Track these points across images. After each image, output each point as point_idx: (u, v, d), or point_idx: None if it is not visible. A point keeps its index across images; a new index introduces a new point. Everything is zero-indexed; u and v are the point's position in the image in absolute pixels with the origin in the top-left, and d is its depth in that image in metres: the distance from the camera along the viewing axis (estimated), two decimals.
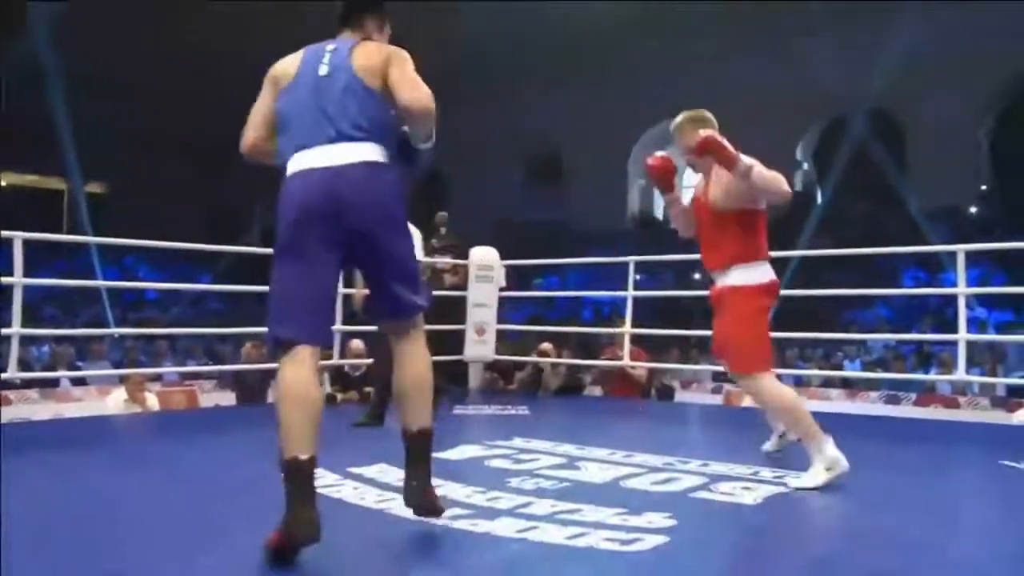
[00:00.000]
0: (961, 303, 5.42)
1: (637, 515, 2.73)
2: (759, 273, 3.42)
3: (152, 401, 6.71)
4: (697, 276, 19.10)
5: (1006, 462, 3.83)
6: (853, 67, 18.40)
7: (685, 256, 5.95)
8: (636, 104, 21.82)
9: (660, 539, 2.48)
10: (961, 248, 5.59)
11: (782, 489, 3.19)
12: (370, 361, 6.82)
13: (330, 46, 2.61)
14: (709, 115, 3.59)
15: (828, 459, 3.25)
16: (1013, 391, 8.94)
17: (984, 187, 20.35)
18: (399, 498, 2.96)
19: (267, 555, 2.21)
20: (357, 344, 6.82)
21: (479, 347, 6.86)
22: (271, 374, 7.12)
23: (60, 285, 12.30)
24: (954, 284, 5.56)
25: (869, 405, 9.97)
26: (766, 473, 3.45)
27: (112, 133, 21.57)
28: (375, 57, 2.56)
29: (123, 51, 19.29)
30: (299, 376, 2.39)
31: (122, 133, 22.15)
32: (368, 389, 6.45)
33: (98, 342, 10.40)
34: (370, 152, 2.48)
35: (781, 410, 3.40)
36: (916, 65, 18.17)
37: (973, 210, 19.99)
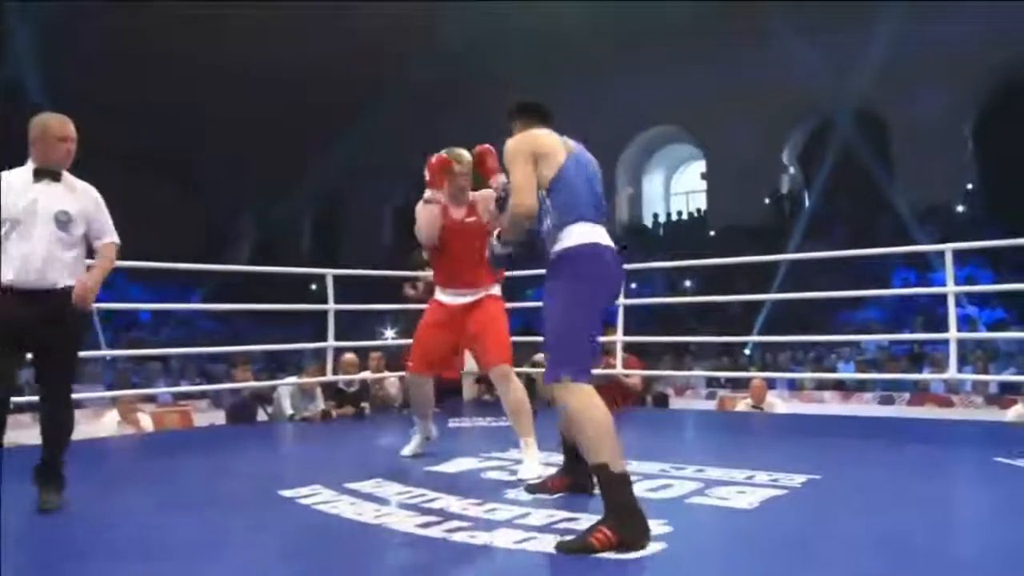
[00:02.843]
0: (951, 302, 5.43)
1: None
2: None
3: (146, 422, 6.69)
4: (688, 283, 19.19)
5: (1000, 459, 3.84)
6: (837, 69, 18.52)
7: (676, 264, 5.97)
8: (626, 109, 21.93)
9: (657, 546, 2.49)
10: (949, 247, 5.58)
11: (777, 493, 3.20)
12: (363, 376, 6.83)
13: (572, 141, 3.05)
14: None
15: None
16: (1005, 388, 8.99)
17: (970, 185, 20.46)
18: (397, 512, 2.97)
19: (589, 550, 2.43)
20: (351, 357, 6.80)
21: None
22: (260, 396, 7.14)
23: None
24: (943, 283, 5.58)
25: (863, 406, 10.02)
26: (761, 477, 3.45)
27: (98, 152, 21.55)
28: None
29: (105, 70, 19.31)
30: (598, 401, 2.70)
31: (108, 152, 22.12)
32: (364, 404, 6.46)
33: (91, 364, 10.38)
34: None
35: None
36: (899, 65, 18.33)
37: (960, 209, 20.09)
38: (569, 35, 19.96)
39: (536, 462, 3.73)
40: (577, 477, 3.17)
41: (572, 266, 2.81)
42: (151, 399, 8.90)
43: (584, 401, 2.68)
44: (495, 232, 3.13)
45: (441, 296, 4.19)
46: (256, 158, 25.78)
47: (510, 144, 2.94)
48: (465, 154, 4.07)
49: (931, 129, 19.49)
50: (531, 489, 3.31)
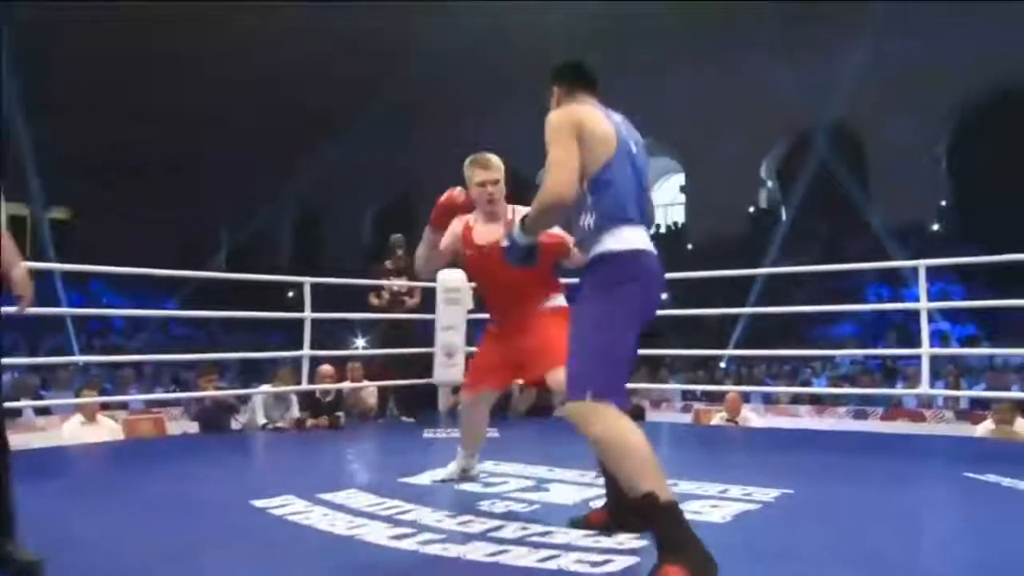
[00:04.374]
0: (923, 318, 5.50)
1: (607, 536, 2.74)
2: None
3: (111, 424, 6.65)
4: (665, 296, 19.27)
5: (970, 474, 3.88)
6: (814, 87, 18.70)
7: None
8: None
9: (631, 560, 2.49)
10: (922, 263, 5.67)
11: (751, 507, 3.21)
12: (342, 385, 6.80)
13: (617, 116, 2.65)
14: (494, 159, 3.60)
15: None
16: (976, 403, 9.07)
17: (943, 202, 20.70)
18: (370, 524, 2.95)
19: None
20: (327, 368, 6.78)
21: (449, 370, 6.83)
22: (230, 405, 7.08)
23: (22, 313, 12.12)
24: (917, 299, 5.64)
25: (837, 420, 10.08)
26: (735, 491, 3.47)
27: (76, 158, 21.42)
28: None
29: (83, 76, 19.20)
30: (631, 423, 2.44)
31: (86, 158, 22.02)
32: (339, 414, 6.43)
33: (63, 370, 10.27)
34: None
35: None
36: (875, 85, 18.53)
37: (935, 227, 20.31)
38: (547, 49, 19.99)
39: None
40: (619, 512, 2.78)
41: (613, 272, 2.48)
42: (123, 406, 8.79)
43: (614, 424, 2.39)
44: (519, 217, 2.65)
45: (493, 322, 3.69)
46: (236, 164, 25.67)
47: (553, 118, 2.53)
48: (494, 159, 3.58)
49: (906, 148, 19.71)
50: (573, 523, 2.91)
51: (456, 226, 3.58)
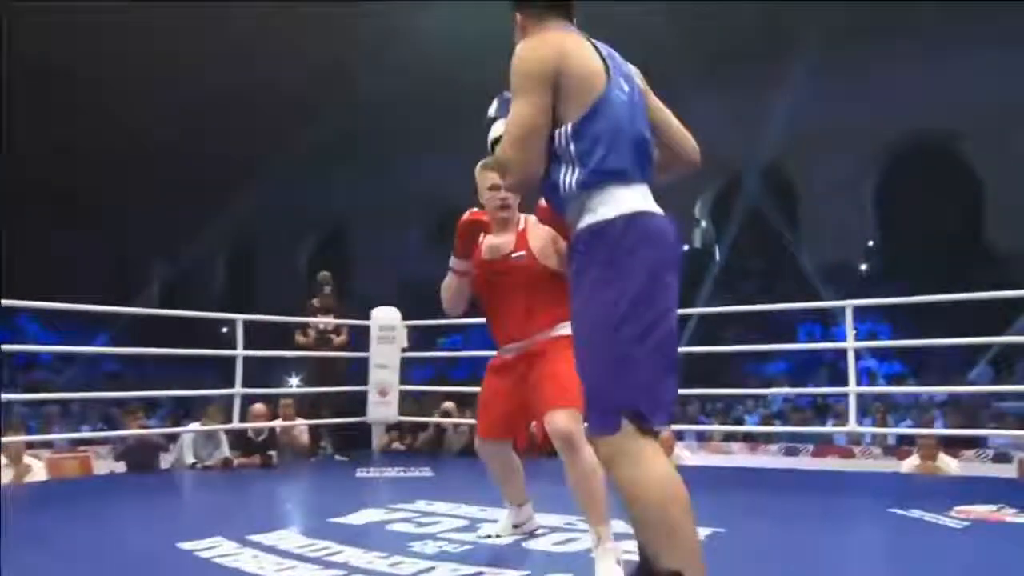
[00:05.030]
0: (851, 357, 5.65)
1: None
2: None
3: (38, 468, 6.43)
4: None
5: (894, 509, 3.97)
6: (745, 129, 19.14)
7: None
8: None
9: None
10: (850, 304, 5.87)
11: None
12: (274, 424, 6.70)
13: (603, 46, 2.09)
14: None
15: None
16: (902, 439, 9.30)
17: (870, 243, 21.31)
18: (300, 566, 2.91)
19: None
20: (259, 407, 6.69)
21: (382, 408, 6.81)
22: (158, 445, 6.92)
23: None
24: (846, 338, 5.79)
25: (769, 458, 10.23)
26: None
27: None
28: None
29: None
30: (672, 471, 1.87)
31: (12, 188, 21.48)
32: (271, 453, 6.33)
33: None
34: None
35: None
36: (804, 129, 19.04)
37: (863, 267, 20.87)
38: (483, 83, 20.05)
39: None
40: None
41: (609, 249, 1.89)
42: (47, 444, 8.53)
43: (636, 464, 1.82)
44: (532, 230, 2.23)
45: (500, 353, 3.28)
46: (169, 197, 25.29)
47: (521, 54, 2.00)
48: None
49: (834, 189, 20.28)
50: None
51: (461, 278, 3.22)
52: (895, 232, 20.71)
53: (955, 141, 19.32)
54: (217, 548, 3.18)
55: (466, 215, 3.06)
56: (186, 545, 3.21)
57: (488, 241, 3.20)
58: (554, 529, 3.52)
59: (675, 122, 2.24)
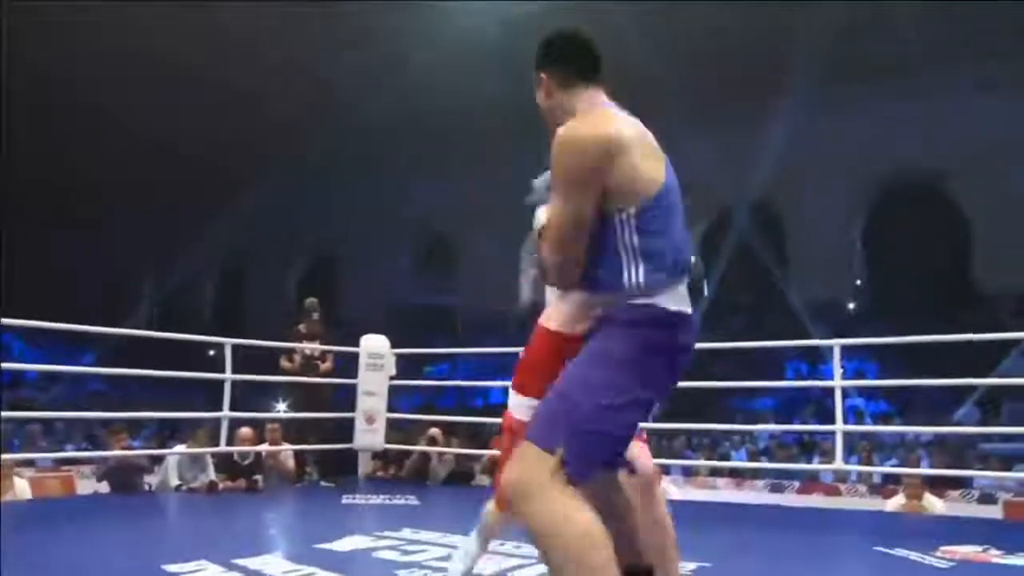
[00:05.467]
0: (838, 395, 5.68)
1: None
2: None
3: (22, 487, 6.37)
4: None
5: (880, 548, 3.98)
6: (736, 166, 19.28)
7: None
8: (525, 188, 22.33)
9: None
10: (837, 343, 5.92)
11: None
12: (260, 448, 6.67)
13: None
14: None
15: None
16: (888, 478, 9.31)
17: (858, 282, 21.42)
18: None
19: None
20: (246, 431, 6.66)
21: (369, 435, 6.81)
22: (142, 467, 6.86)
23: None
24: (833, 376, 5.83)
25: (755, 494, 10.21)
26: None
27: None
28: None
29: None
30: (585, 516, 1.72)
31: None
32: (256, 477, 6.29)
33: None
34: None
35: None
36: (794, 167, 19.22)
37: (851, 305, 20.96)
38: (465, 122, 20.03)
39: None
40: None
41: (642, 336, 1.82)
42: (30, 463, 8.46)
43: (560, 509, 1.70)
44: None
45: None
46: (157, 220, 25.27)
47: (568, 138, 1.79)
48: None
49: (824, 228, 20.41)
50: None
51: None
52: (883, 270, 20.84)
53: (943, 180, 19.50)
54: (202, 572, 3.17)
55: None
56: (171, 568, 3.20)
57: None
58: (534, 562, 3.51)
59: None
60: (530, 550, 3.56)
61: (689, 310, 1.90)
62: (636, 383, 1.80)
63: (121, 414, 7.37)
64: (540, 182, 1.99)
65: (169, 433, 14.41)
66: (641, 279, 1.82)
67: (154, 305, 28.73)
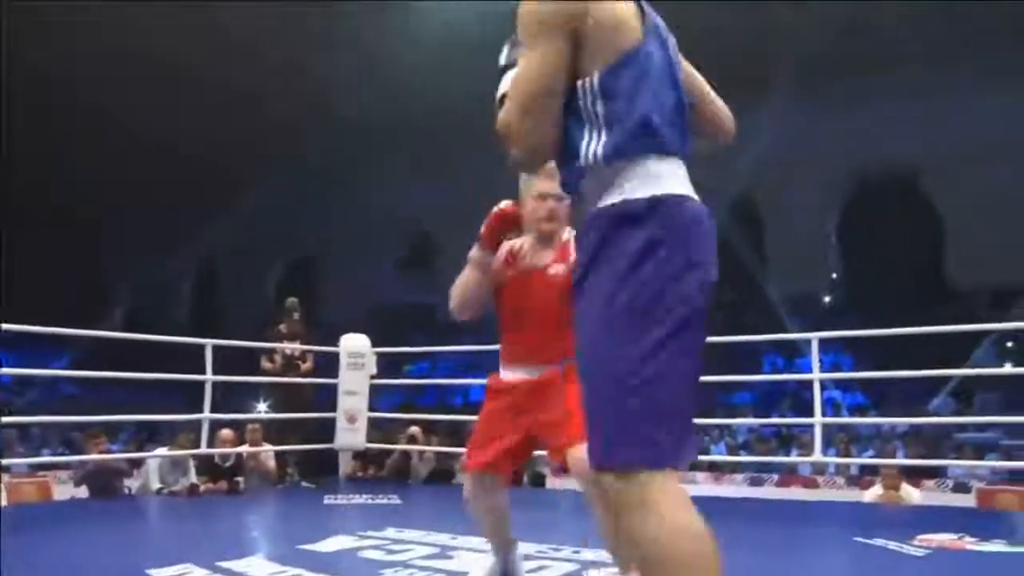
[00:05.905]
0: (816, 388, 5.74)
1: None
2: None
3: None
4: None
5: (859, 538, 4.03)
6: (717, 163, 19.36)
7: None
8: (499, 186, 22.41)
9: None
10: (815, 336, 5.99)
11: None
12: (240, 450, 6.66)
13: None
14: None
15: None
16: (865, 470, 9.41)
17: (834, 275, 21.62)
18: None
19: None
20: (227, 433, 6.65)
21: (350, 435, 6.81)
22: (120, 470, 6.82)
23: None
24: (811, 369, 5.89)
25: (734, 487, 10.27)
26: None
27: None
28: None
29: None
30: (703, 527, 1.55)
31: None
32: (238, 479, 6.28)
33: None
34: None
35: None
36: (773, 162, 19.36)
37: (827, 299, 21.15)
38: (445, 122, 20.03)
39: None
40: None
41: (629, 233, 1.50)
42: (5, 469, 8.37)
43: (663, 515, 1.46)
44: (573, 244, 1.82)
45: (503, 372, 2.84)
46: (137, 220, 25.07)
47: None
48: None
49: (801, 223, 20.59)
50: None
51: (500, 251, 2.80)
52: (858, 265, 21.05)
53: (917, 177, 19.71)
54: (188, 575, 3.17)
55: (501, 205, 2.72)
56: (155, 572, 3.19)
57: (525, 250, 2.81)
58: (526, 556, 3.53)
59: (709, 88, 1.85)
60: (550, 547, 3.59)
61: (679, 190, 1.56)
62: (650, 322, 1.47)
63: (101, 417, 7.29)
64: (507, 48, 1.74)
65: (147, 435, 14.31)
66: (599, 151, 1.53)
67: (129, 308, 28.46)
